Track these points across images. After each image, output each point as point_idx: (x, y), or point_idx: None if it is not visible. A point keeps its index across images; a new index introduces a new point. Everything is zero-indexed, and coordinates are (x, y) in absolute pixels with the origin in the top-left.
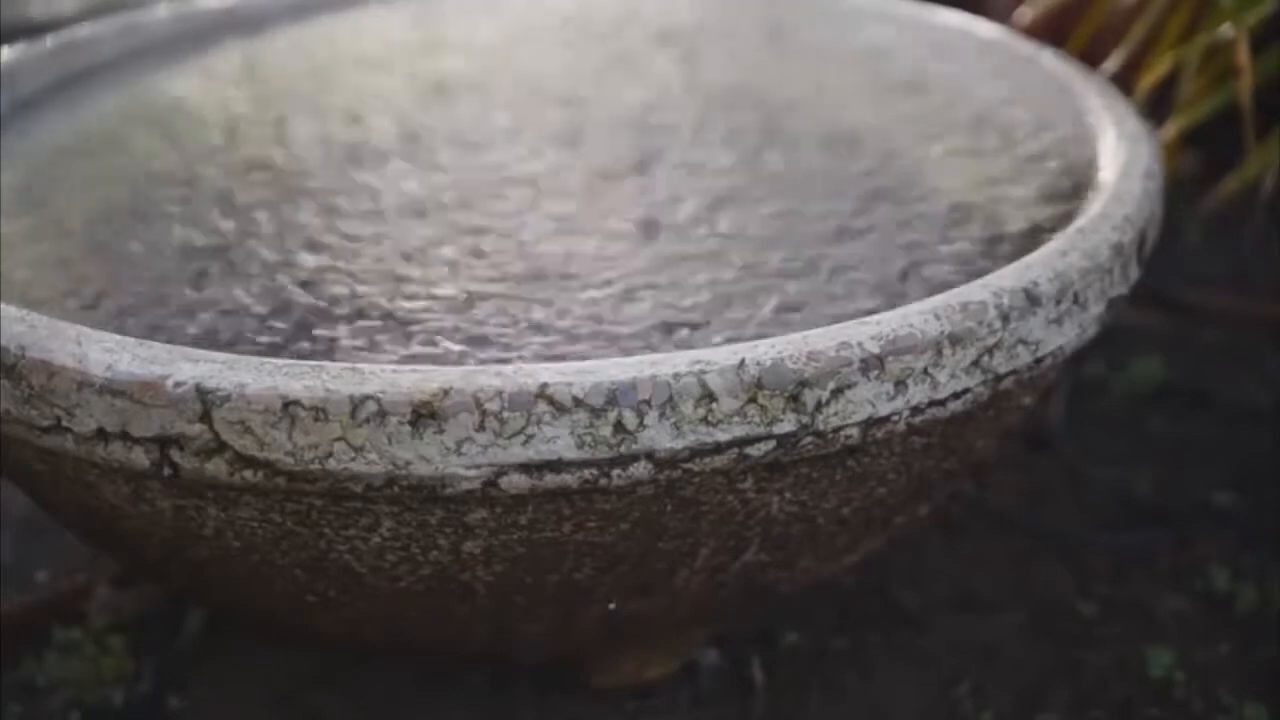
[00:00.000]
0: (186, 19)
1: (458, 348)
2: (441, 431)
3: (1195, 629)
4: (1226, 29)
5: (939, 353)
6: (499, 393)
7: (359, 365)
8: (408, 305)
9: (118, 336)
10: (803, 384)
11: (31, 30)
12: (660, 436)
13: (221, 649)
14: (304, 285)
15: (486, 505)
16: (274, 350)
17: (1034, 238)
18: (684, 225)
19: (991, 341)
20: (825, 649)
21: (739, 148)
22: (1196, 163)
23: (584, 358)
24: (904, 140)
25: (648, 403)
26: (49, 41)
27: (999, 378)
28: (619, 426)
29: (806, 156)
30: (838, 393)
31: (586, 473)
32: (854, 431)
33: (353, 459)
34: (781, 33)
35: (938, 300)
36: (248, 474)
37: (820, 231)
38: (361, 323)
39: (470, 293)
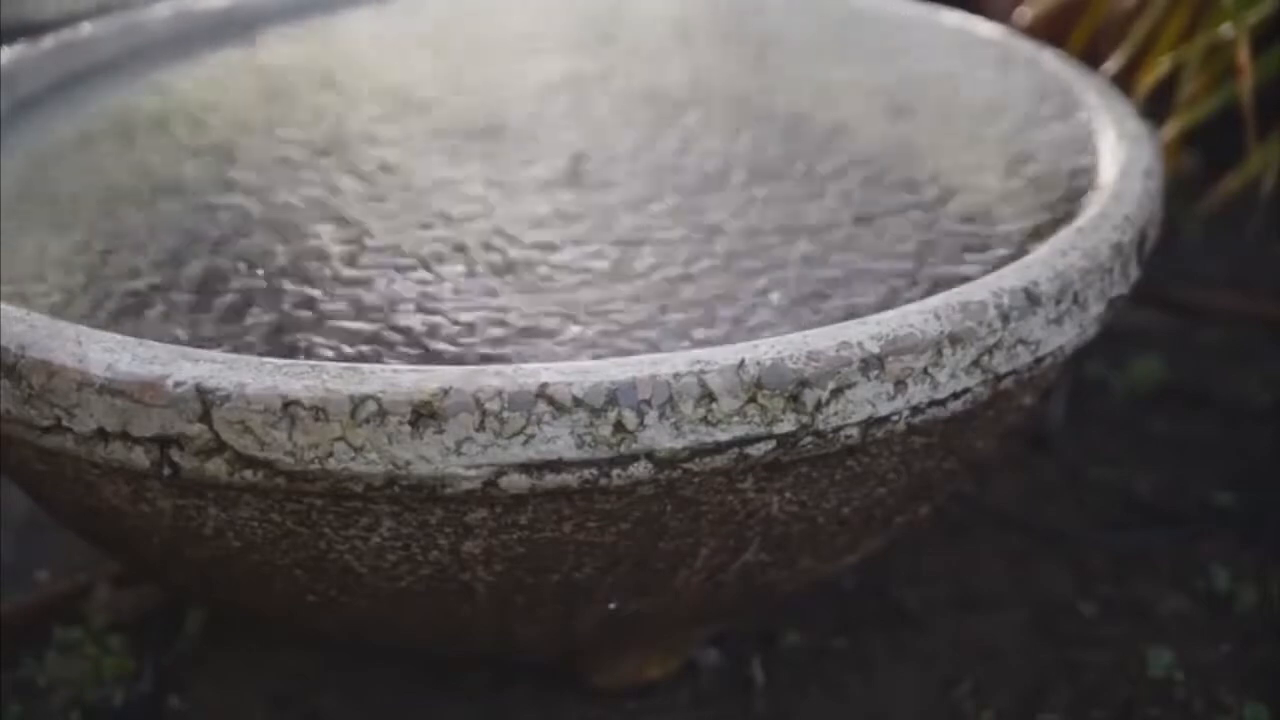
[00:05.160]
0: (187, 18)
1: None
2: (441, 431)
3: (1195, 629)
4: (1226, 29)
5: (939, 353)
6: (499, 392)
7: (359, 365)
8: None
9: (118, 336)
10: (803, 384)
11: (31, 30)
12: (660, 436)
13: (221, 649)
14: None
15: (486, 505)
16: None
17: (1034, 237)
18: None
19: (991, 341)
20: (825, 649)
21: (741, 147)
22: (1196, 163)
23: None
24: (901, 139)
25: (648, 402)
26: (49, 41)
27: (999, 378)
28: (619, 426)
29: (803, 155)
30: (838, 392)
31: (586, 473)
32: (854, 431)
33: (353, 459)
34: (776, 32)
35: (938, 300)
36: (248, 474)
37: (820, 230)
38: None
39: None
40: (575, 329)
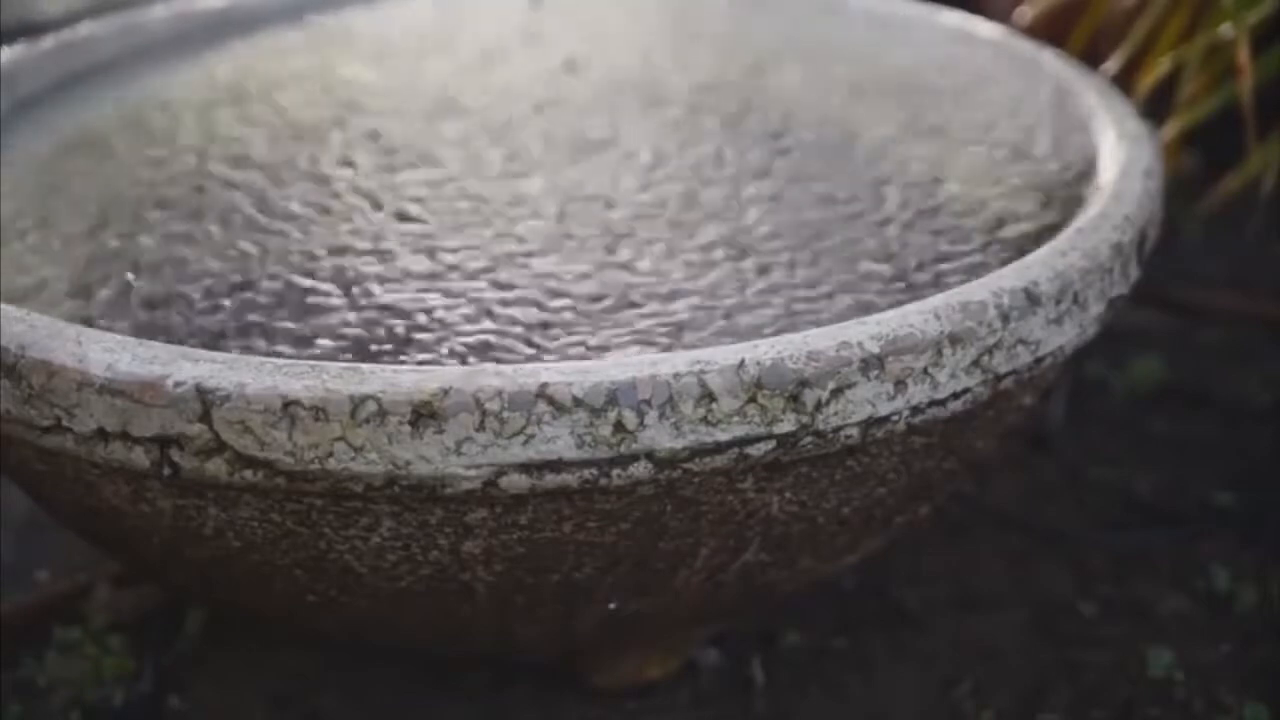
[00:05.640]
0: (186, 18)
1: None
2: (441, 431)
3: (1195, 629)
4: (1226, 29)
5: (939, 353)
6: (499, 392)
7: (359, 365)
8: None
9: (118, 336)
10: (803, 384)
11: (31, 30)
12: (660, 436)
13: (221, 649)
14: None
15: (486, 505)
16: None
17: (1034, 237)
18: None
19: (991, 341)
20: (825, 649)
21: (737, 144)
22: (1196, 163)
23: None
24: (902, 139)
25: (648, 402)
26: (49, 41)
27: (999, 378)
28: (619, 426)
29: (802, 154)
30: (838, 392)
31: (586, 472)
32: (854, 431)
33: (353, 459)
34: (780, 31)
35: (938, 300)
36: (248, 474)
37: (817, 227)
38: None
39: None
40: None
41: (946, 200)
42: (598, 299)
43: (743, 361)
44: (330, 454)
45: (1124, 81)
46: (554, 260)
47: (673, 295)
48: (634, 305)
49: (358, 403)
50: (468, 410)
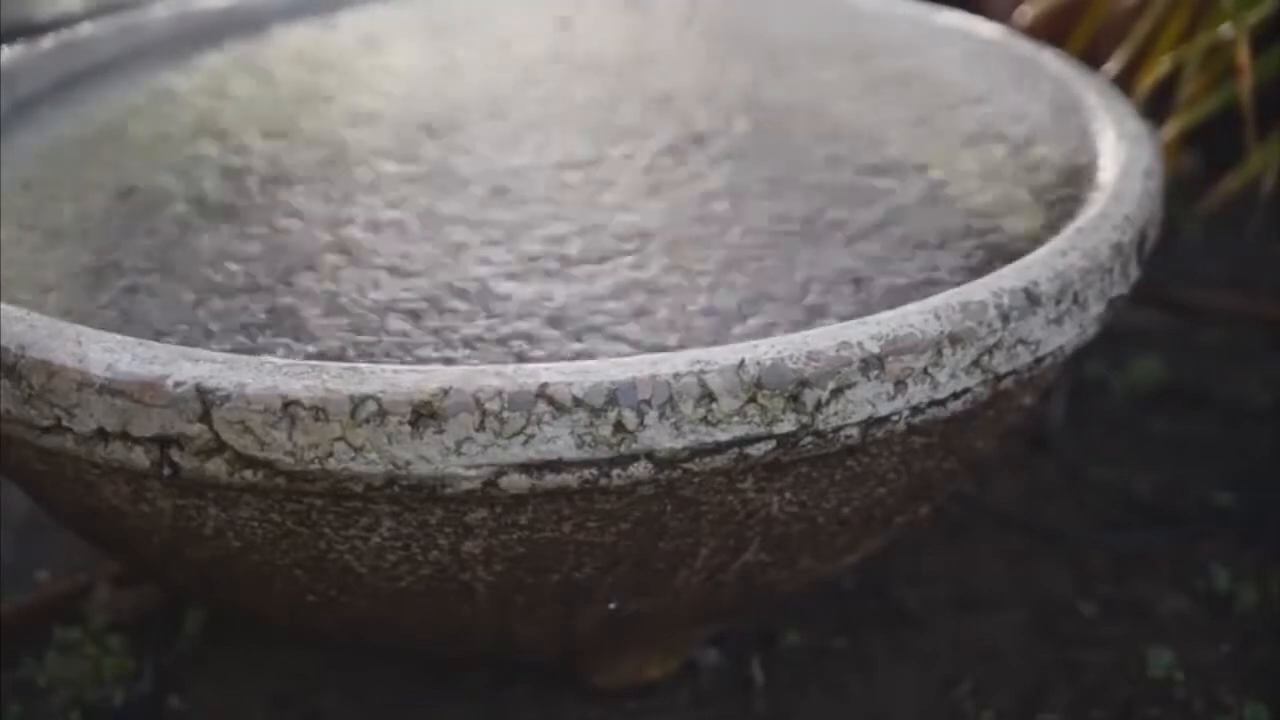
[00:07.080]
0: (186, 19)
1: None
2: (441, 431)
3: (1195, 629)
4: (1226, 29)
5: (939, 353)
6: (499, 392)
7: (359, 365)
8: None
9: (118, 336)
10: (803, 384)
11: (31, 30)
12: (660, 436)
13: (221, 649)
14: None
15: (486, 505)
16: None
17: (1034, 237)
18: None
19: (991, 341)
20: (825, 649)
21: (742, 146)
22: (1196, 163)
23: None
24: (902, 139)
25: (648, 402)
26: (49, 41)
27: (999, 378)
28: (619, 426)
29: (803, 153)
30: (838, 392)
31: (586, 473)
32: (854, 431)
33: (353, 459)
34: (779, 30)
35: (938, 300)
36: (248, 474)
37: (818, 229)
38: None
39: None
40: None
41: (945, 199)
42: None
43: (743, 361)
44: (330, 454)
45: (1124, 81)
46: None
47: None
48: None
49: (358, 403)
50: (468, 410)
